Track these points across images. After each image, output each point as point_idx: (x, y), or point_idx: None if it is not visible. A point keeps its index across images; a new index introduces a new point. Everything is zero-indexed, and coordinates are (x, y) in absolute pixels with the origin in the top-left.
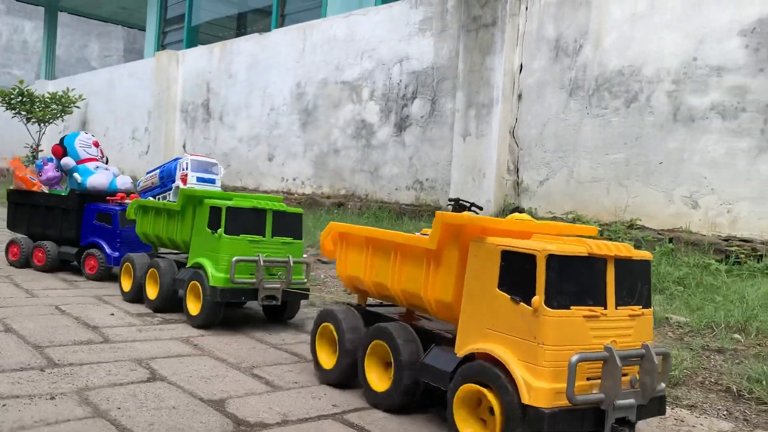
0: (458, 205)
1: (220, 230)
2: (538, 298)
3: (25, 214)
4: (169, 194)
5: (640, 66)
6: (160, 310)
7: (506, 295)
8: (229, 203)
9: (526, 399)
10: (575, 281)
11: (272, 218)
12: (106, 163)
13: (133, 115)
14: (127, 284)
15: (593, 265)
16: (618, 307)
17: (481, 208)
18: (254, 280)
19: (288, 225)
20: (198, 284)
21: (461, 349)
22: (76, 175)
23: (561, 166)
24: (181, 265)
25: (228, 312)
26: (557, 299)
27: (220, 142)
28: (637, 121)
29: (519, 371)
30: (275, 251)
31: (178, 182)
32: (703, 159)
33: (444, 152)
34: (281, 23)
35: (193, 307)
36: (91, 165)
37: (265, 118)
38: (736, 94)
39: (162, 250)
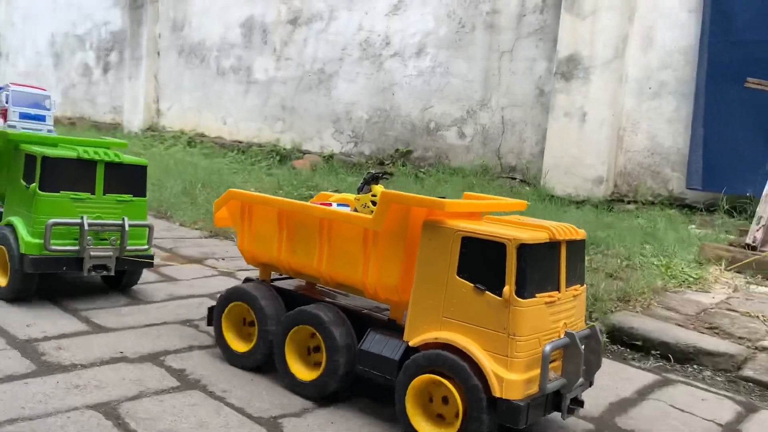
0: (372, 177)
1: (34, 185)
2: (509, 289)
3: None
4: None
5: (205, 40)
6: None
7: (468, 283)
8: (48, 152)
9: (497, 392)
10: (540, 268)
11: (104, 171)
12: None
13: None
14: None
15: (553, 250)
16: (568, 289)
17: (391, 174)
18: (76, 248)
19: (126, 179)
20: (4, 249)
21: (413, 337)
22: None
23: (176, 99)
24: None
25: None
26: (527, 289)
27: (6, 76)
28: (204, 73)
29: (487, 363)
30: (107, 212)
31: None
32: (228, 97)
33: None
34: None
35: (2, 276)
36: None
37: (33, 59)
38: (240, 60)
39: None
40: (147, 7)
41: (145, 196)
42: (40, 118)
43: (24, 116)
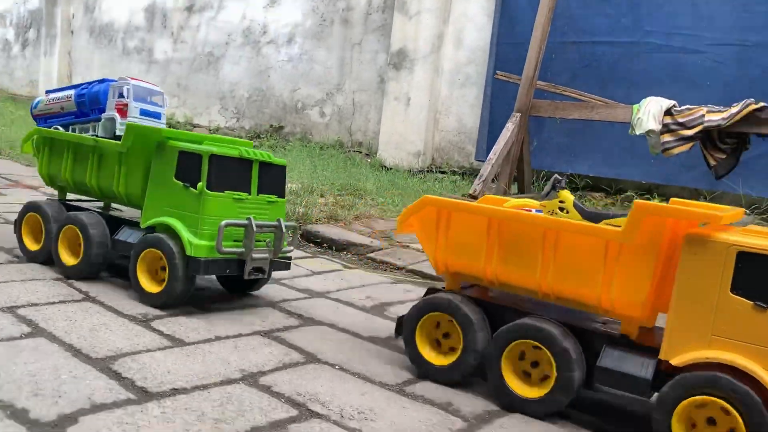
0: (559, 182)
1: (201, 184)
2: None
3: None
4: (94, 127)
5: (113, 22)
6: (78, 278)
7: (745, 300)
8: (215, 150)
9: None
10: None
11: (258, 171)
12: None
13: None
14: (32, 241)
15: None
16: None
17: (565, 175)
18: (242, 250)
19: (273, 179)
20: (159, 253)
21: (674, 356)
22: None
23: (87, 76)
24: (112, 221)
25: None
26: None
27: None
28: (112, 53)
29: None
30: (260, 212)
31: (112, 113)
32: (132, 74)
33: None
34: None
35: (149, 281)
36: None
37: None
38: (143, 42)
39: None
40: None
41: (284, 197)
42: (157, 116)
43: (144, 113)
